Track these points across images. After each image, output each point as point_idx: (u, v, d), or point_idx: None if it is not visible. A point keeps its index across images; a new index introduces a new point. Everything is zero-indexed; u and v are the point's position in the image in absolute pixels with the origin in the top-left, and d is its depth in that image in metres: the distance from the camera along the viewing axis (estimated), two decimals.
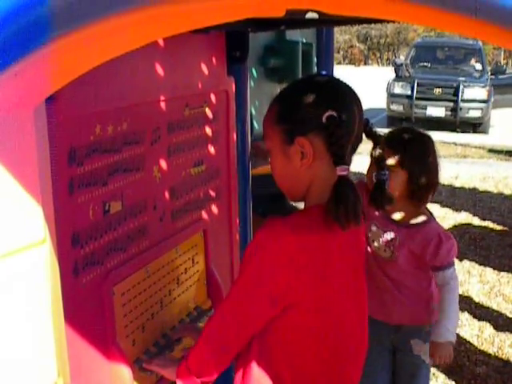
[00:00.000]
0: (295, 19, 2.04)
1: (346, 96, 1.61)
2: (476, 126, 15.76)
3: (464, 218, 7.61)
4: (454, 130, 15.47)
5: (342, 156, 1.55)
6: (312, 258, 1.53)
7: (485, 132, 15.63)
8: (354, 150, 1.63)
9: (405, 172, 2.63)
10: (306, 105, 1.57)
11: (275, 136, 1.62)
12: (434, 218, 2.84)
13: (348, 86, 1.64)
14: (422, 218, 2.77)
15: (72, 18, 0.94)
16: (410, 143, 2.67)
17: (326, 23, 2.76)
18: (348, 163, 1.57)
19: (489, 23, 0.77)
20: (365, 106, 1.67)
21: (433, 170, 2.70)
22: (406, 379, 2.94)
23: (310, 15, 1.53)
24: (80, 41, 1.00)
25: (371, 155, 2.33)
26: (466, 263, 6.05)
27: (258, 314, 1.57)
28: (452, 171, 10.38)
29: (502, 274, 5.79)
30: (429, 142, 2.73)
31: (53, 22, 0.95)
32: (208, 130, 2.32)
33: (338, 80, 1.65)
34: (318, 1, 0.87)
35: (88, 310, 1.65)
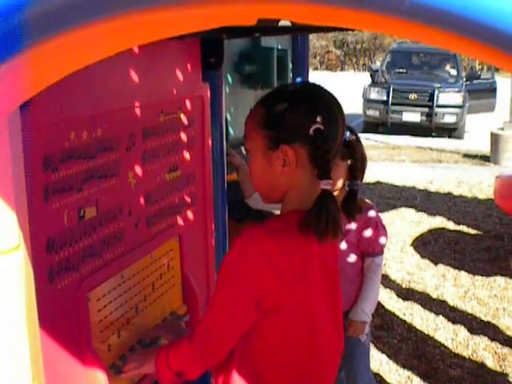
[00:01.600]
0: (270, 26, 2.06)
1: (334, 109, 1.62)
2: (451, 131, 15.91)
3: (439, 222, 7.67)
4: (429, 135, 15.60)
5: (327, 170, 1.56)
6: (291, 261, 1.55)
7: (460, 137, 15.77)
8: (332, 159, 1.64)
9: (346, 163, 2.71)
10: (295, 114, 1.57)
11: (259, 139, 1.62)
12: (375, 208, 3.01)
13: (335, 98, 1.64)
14: (364, 205, 2.93)
15: (48, 26, 0.94)
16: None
17: (301, 30, 2.79)
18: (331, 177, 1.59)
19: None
20: None
21: (364, 158, 2.79)
22: (345, 358, 3.05)
23: (283, 23, 1.55)
24: (55, 48, 1.00)
25: None
26: (441, 267, 6.11)
27: (242, 317, 1.59)
28: (427, 176, 10.47)
29: (477, 277, 5.85)
30: (357, 134, 2.84)
31: (29, 30, 0.95)
32: (183, 136, 2.32)
33: (327, 92, 1.65)
34: (287, 11, 0.88)
35: (63, 316, 1.65)
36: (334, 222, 1.55)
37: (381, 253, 3.03)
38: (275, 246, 1.52)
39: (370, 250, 2.99)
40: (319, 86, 1.67)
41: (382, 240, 3.02)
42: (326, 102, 1.62)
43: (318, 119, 1.55)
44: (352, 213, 2.73)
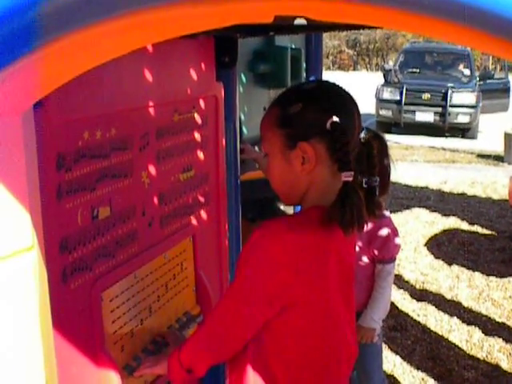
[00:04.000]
0: (284, 25, 2.05)
1: (348, 103, 1.61)
2: (464, 131, 15.85)
3: (453, 222, 7.63)
4: (442, 135, 15.56)
5: (348, 162, 1.55)
6: (309, 257, 1.53)
7: (473, 137, 15.71)
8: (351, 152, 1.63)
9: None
10: (310, 110, 1.57)
11: (275, 140, 1.61)
12: (389, 214, 3.04)
13: (348, 93, 1.64)
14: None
15: (61, 24, 0.93)
16: None
17: (315, 29, 2.77)
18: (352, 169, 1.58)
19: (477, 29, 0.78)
20: None
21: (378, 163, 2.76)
22: (357, 358, 3.06)
23: (298, 21, 1.53)
24: (69, 47, 0.99)
25: None
26: (455, 268, 6.07)
27: (255, 314, 1.57)
28: (441, 176, 10.43)
29: (491, 278, 5.81)
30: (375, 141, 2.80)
31: (42, 28, 0.94)
32: (197, 136, 2.31)
33: (339, 86, 1.65)
34: (306, 8, 0.87)
35: (76, 317, 1.64)
36: (359, 214, 1.55)
37: (392, 260, 3.00)
38: (293, 241, 1.51)
39: (381, 257, 2.96)
40: (332, 82, 1.66)
41: (394, 247, 2.99)
42: (340, 98, 1.62)
43: (334, 113, 1.54)
44: (372, 210, 2.67)
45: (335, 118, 1.53)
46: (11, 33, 0.95)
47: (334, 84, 1.66)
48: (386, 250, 2.95)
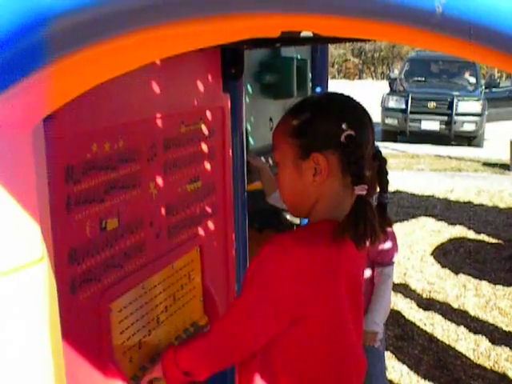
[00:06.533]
0: (290, 37, 2.06)
1: (364, 117, 1.62)
2: (470, 140, 15.84)
3: (459, 231, 7.62)
4: (448, 144, 15.55)
5: (362, 176, 1.55)
6: (319, 272, 1.53)
7: (479, 145, 15.69)
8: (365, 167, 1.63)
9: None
10: (326, 122, 1.57)
11: (288, 149, 1.61)
12: None
13: (363, 107, 1.64)
14: None
15: (70, 41, 0.95)
16: None
17: (321, 41, 2.78)
18: (366, 182, 1.57)
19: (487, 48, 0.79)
20: None
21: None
22: None
23: (304, 34, 1.55)
24: (78, 63, 1.01)
25: None
26: (462, 277, 6.06)
27: (261, 329, 1.57)
28: (447, 185, 10.42)
29: (498, 287, 5.80)
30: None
31: (52, 45, 0.96)
32: (204, 147, 2.33)
33: (355, 100, 1.65)
34: (311, 24, 0.88)
35: (85, 327, 1.65)
36: (372, 228, 1.54)
37: (390, 263, 3.06)
38: (302, 255, 1.51)
39: (379, 260, 3.02)
40: (348, 95, 1.67)
41: (392, 251, 3.03)
42: (355, 111, 1.62)
43: (350, 126, 1.54)
44: (382, 227, 2.65)
45: (351, 132, 1.54)
46: (22, 50, 0.96)
47: (349, 97, 1.66)
48: (385, 253, 3.01)
